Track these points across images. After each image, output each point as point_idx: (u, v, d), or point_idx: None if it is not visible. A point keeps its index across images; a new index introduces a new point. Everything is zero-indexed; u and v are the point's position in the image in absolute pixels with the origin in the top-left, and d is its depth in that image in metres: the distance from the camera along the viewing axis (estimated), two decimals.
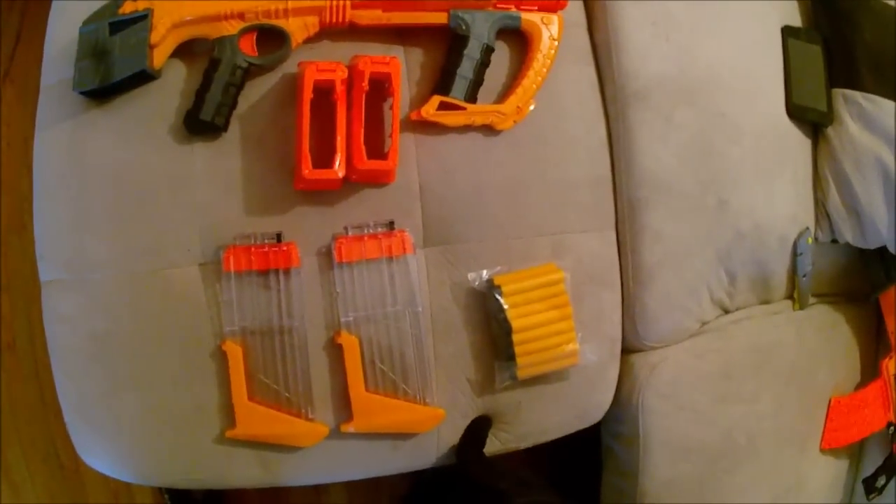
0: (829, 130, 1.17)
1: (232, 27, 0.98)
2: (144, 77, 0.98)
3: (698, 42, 1.11)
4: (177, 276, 0.97)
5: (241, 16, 0.98)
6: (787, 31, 1.19)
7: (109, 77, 0.97)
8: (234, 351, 0.95)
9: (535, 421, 1.03)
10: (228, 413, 0.96)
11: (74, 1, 1.07)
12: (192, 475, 1.00)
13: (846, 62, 1.19)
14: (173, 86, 0.99)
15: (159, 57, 0.97)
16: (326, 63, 0.95)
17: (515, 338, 0.97)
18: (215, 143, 0.98)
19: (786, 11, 1.22)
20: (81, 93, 0.98)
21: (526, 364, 0.98)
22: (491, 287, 0.98)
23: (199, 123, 0.96)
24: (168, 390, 0.97)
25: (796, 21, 1.23)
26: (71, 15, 1.04)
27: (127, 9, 0.98)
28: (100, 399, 0.98)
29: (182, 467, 0.99)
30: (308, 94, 0.93)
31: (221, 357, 0.96)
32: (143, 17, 0.97)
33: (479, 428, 1.02)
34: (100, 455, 1.00)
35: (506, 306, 0.97)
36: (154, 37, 0.96)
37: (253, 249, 0.96)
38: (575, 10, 1.09)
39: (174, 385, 0.97)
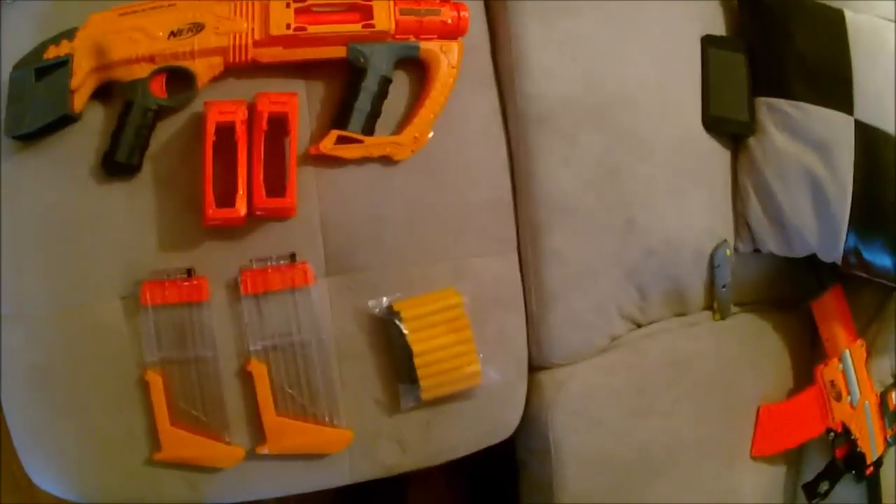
0: (751, 141, 1.23)
1: (143, 70, 1.07)
2: (67, 120, 1.08)
3: (608, 61, 1.18)
4: (102, 310, 1.07)
5: (151, 59, 1.07)
6: (707, 41, 1.25)
7: (35, 122, 1.07)
8: (155, 380, 1.05)
9: (444, 439, 1.12)
10: (155, 437, 1.06)
11: (10, 46, 1.16)
12: (129, 494, 1.10)
13: (773, 71, 1.25)
14: (92, 127, 1.09)
15: (79, 100, 1.07)
16: (227, 104, 1.05)
17: (417, 361, 1.06)
18: (131, 182, 1.08)
19: (710, 20, 1.28)
20: (14, 137, 1.08)
21: (429, 386, 1.08)
22: (391, 313, 1.07)
23: (115, 165, 1.06)
24: (101, 417, 1.07)
25: (721, 29, 1.27)
26: (6, 61, 1.13)
27: (50, 54, 1.08)
28: (42, 426, 1.09)
29: (120, 487, 1.09)
30: (210, 137, 1.03)
31: (146, 386, 1.06)
32: (64, 63, 1.07)
33: None
34: (47, 476, 1.11)
35: (406, 331, 1.06)
36: (74, 82, 1.06)
37: (167, 284, 1.06)
38: (478, 34, 1.16)
39: (106, 412, 1.07)
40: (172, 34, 1.07)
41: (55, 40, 1.08)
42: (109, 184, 1.08)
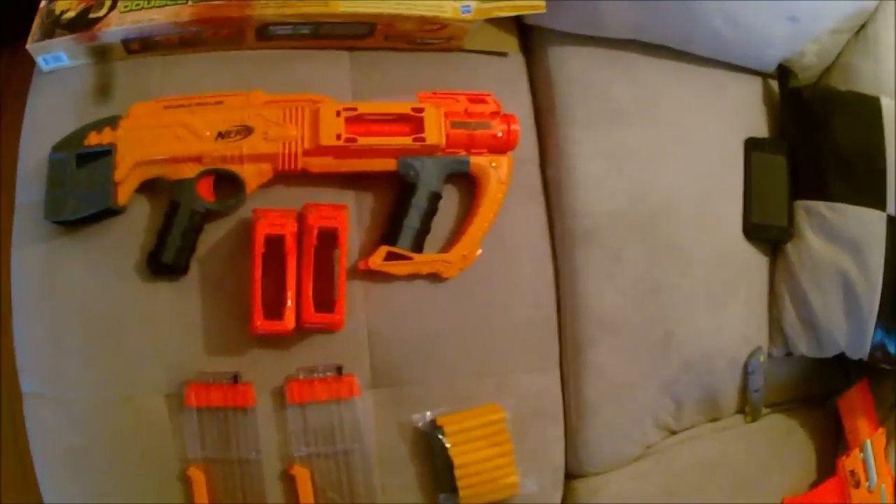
0: (788, 246, 1.25)
1: (190, 170, 1.09)
2: (110, 212, 1.10)
3: (653, 172, 1.20)
4: (144, 405, 1.09)
5: (198, 159, 1.08)
6: (750, 144, 1.26)
7: (77, 212, 1.08)
8: (198, 476, 1.08)
9: None
10: None
11: (44, 119, 1.18)
12: None
13: (812, 170, 1.26)
14: (137, 222, 1.11)
15: (123, 194, 1.09)
16: (277, 215, 1.06)
17: (457, 472, 1.09)
18: (177, 283, 1.10)
19: (754, 120, 1.29)
20: (54, 222, 1.09)
21: (468, 496, 1.10)
22: (434, 427, 1.10)
23: (161, 266, 1.08)
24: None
25: (764, 128, 1.29)
26: (42, 134, 1.14)
27: (91, 140, 1.09)
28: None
29: None
30: (259, 248, 1.05)
31: (187, 480, 1.08)
32: (107, 153, 1.08)
33: None
34: None
35: (448, 445, 1.09)
36: (118, 175, 1.07)
37: (212, 387, 1.08)
38: (527, 146, 1.18)
39: (145, 500, 1.09)
40: (220, 135, 1.09)
41: (97, 127, 1.10)
42: (154, 282, 1.10)
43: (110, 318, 1.10)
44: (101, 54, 1.18)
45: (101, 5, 1.15)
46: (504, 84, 1.20)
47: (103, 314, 1.10)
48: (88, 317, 1.10)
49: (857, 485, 1.33)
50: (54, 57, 1.18)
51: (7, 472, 1.56)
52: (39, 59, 1.18)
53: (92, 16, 1.15)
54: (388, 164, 1.09)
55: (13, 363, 1.41)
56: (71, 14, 1.15)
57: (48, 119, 1.17)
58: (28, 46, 1.15)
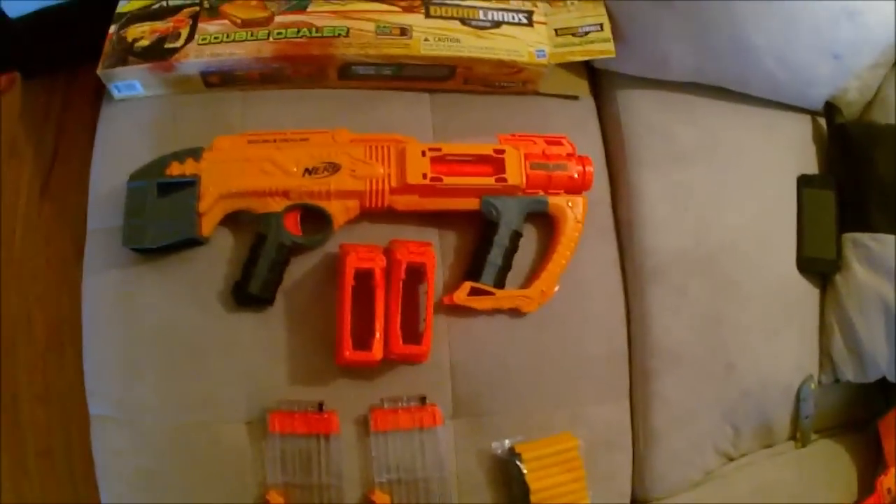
0: (837, 277, 1.31)
1: (277, 204, 1.12)
2: (193, 242, 1.13)
3: (715, 210, 1.26)
4: (224, 431, 1.13)
5: (285, 194, 1.12)
6: (802, 181, 1.32)
7: (159, 240, 1.11)
8: (278, 501, 1.11)
9: None
10: None
11: (116, 147, 1.21)
12: None
13: (857, 203, 1.32)
14: (220, 253, 1.15)
15: (208, 225, 1.12)
16: (366, 250, 1.10)
17: (533, 497, 1.14)
18: (262, 314, 1.14)
19: (804, 156, 1.36)
20: (133, 249, 1.12)
21: None
22: (512, 454, 1.15)
23: (248, 296, 1.11)
24: None
25: (813, 166, 1.35)
26: (115, 162, 1.18)
27: (174, 171, 1.12)
28: None
29: None
30: (350, 282, 1.09)
31: None
32: (191, 184, 1.11)
33: None
34: None
35: (525, 471, 1.14)
36: (202, 206, 1.11)
37: (296, 415, 1.12)
38: (600, 186, 1.23)
39: None
40: (308, 171, 1.12)
41: (179, 157, 1.12)
42: (237, 311, 1.14)
43: (189, 345, 1.13)
44: (179, 86, 1.21)
45: (178, 36, 1.19)
46: (576, 126, 1.25)
47: (182, 341, 1.13)
48: (166, 343, 1.13)
49: (894, 502, 1.40)
50: (128, 85, 1.21)
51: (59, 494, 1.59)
52: (111, 87, 1.21)
53: (168, 46, 1.18)
54: (471, 203, 1.14)
55: (67, 384, 1.46)
56: (144, 42, 1.18)
57: (120, 147, 1.20)
58: (99, 72, 1.18)
